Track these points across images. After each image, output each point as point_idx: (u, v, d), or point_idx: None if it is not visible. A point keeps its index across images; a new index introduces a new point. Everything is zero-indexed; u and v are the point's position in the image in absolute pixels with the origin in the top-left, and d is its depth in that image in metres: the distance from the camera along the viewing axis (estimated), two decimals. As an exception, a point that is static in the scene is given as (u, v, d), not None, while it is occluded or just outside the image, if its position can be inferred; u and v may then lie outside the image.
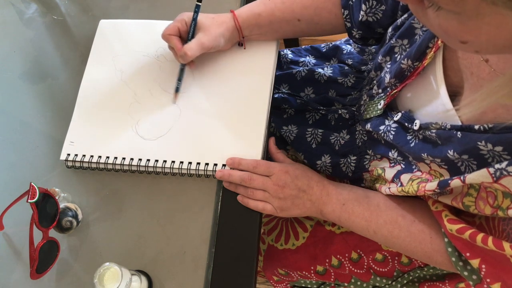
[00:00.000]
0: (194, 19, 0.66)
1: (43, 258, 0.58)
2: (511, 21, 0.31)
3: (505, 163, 0.42)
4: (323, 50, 0.90)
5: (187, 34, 0.67)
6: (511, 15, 0.31)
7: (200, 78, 0.71)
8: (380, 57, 0.65)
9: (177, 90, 0.70)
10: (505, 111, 0.46)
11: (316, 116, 0.80)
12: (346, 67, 0.84)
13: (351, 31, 0.70)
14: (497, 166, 0.43)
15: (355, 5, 0.67)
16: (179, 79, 0.70)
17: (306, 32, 0.72)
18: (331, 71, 0.83)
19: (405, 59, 0.57)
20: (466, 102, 0.41)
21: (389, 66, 0.62)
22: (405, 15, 0.60)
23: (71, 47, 0.79)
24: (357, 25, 0.68)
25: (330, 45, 0.90)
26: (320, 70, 0.83)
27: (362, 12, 0.66)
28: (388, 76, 0.61)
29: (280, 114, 0.82)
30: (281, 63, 0.89)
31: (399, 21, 0.61)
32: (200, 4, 0.66)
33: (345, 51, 0.87)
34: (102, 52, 0.75)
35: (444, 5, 0.33)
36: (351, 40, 0.89)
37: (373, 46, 0.85)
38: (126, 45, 0.75)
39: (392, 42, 0.61)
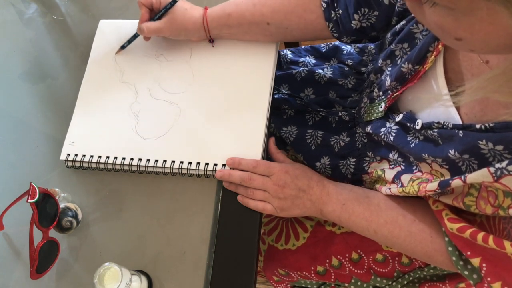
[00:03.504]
0: (166, 8, 0.68)
1: (43, 258, 0.58)
2: (504, 17, 0.31)
3: (505, 162, 0.42)
4: (323, 50, 0.90)
5: (157, 10, 0.70)
6: (504, 11, 0.31)
7: (200, 78, 0.71)
8: (380, 61, 0.65)
9: (122, 47, 0.74)
10: (506, 110, 0.46)
11: (316, 118, 0.80)
12: (346, 68, 0.84)
13: (340, 39, 0.70)
14: (497, 165, 0.43)
15: (343, 17, 0.65)
16: (129, 41, 0.74)
17: (275, 37, 0.72)
18: (331, 72, 0.83)
19: (406, 63, 0.57)
20: (460, 89, 0.42)
21: (389, 69, 0.62)
22: (403, 22, 0.60)
23: (71, 47, 0.79)
24: (349, 33, 0.67)
25: (330, 45, 0.90)
26: (320, 70, 0.83)
27: (354, 21, 0.65)
28: (388, 79, 0.61)
29: (280, 114, 0.82)
30: (281, 63, 0.89)
31: (397, 27, 0.61)
32: (177, 1, 0.68)
33: (344, 52, 0.87)
34: (102, 52, 0.75)
35: (439, 1, 0.34)
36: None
37: (373, 46, 0.85)
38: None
39: (392, 46, 0.61)
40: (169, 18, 0.69)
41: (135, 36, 0.73)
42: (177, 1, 0.68)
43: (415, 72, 0.57)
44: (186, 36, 0.71)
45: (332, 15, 0.66)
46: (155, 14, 0.70)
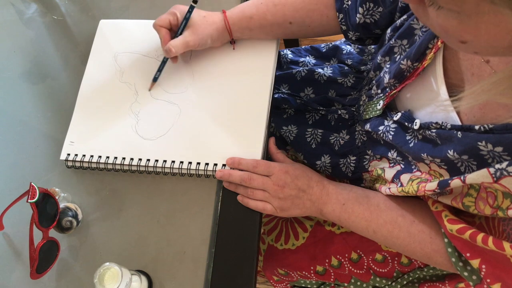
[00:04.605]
0: (186, 19, 0.67)
1: (43, 258, 0.58)
2: (509, 20, 0.31)
3: (505, 163, 0.42)
4: (323, 50, 0.90)
5: (177, 28, 0.68)
6: (510, 14, 0.31)
7: (200, 78, 0.71)
8: (379, 57, 0.65)
9: (154, 79, 0.71)
10: (506, 111, 0.46)
11: (316, 116, 0.80)
12: (346, 67, 0.84)
13: (347, 33, 0.70)
14: (497, 166, 0.43)
15: (350, 8, 0.66)
16: (159, 70, 0.71)
17: (297, 34, 0.72)
18: (330, 71, 0.83)
19: (405, 60, 0.57)
20: (463, 94, 0.42)
21: (388, 66, 0.62)
22: (404, 16, 0.60)
23: (71, 47, 0.79)
24: (354, 28, 0.68)
25: (330, 45, 0.90)
26: (320, 70, 0.83)
27: (359, 15, 0.66)
28: (387, 76, 0.61)
29: (280, 114, 0.82)
30: (281, 63, 0.89)
31: (398, 22, 0.61)
32: (194, 6, 0.66)
33: (344, 51, 0.87)
34: (102, 52, 0.75)
35: (444, 4, 0.34)
36: (351, 40, 0.89)
37: (373, 46, 0.85)
38: (126, 45, 0.75)
39: (391, 42, 0.61)
40: (191, 29, 0.67)
41: (164, 62, 0.71)
42: (194, 7, 0.66)
43: (414, 69, 0.57)
44: (212, 42, 0.70)
45: (344, 5, 0.67)
46: (174, 33, 0.68)
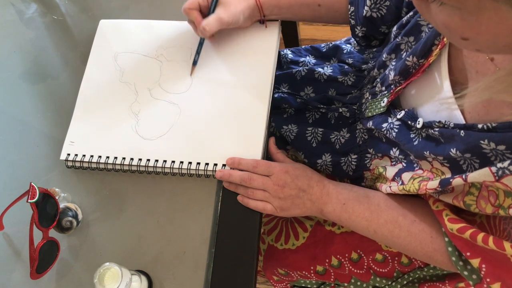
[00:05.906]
0: None
1: (43, 258, 0.58)
2: (511, 18, 0.31)
3: (507, 162, 0.42)
4: (323, 50, 0.90)
5: (207, 9, 0.67)
6: (511, 12, 0.31)
7: (200, 78, 0.71)
8: (385, 55, 0.65)
9: (194, 63, 0.71)
10: (510, 109, 0.45)
11: (316, 115, 0.80)
12: (346, 66, 0.84)
13: (354, 29, 0.70)
14: (499, 165, 0.43)
15: (360, 1, 0.67)
16: (198, 52, 0.70)
17: (325, 18, 0.72)
18: (331, 70, 0.83)
19: (410, 56, 0.57)
20: (466, 91, 0.42)
21: (394, 63, 0.63)
22: (411, 13, 0.61)
23: (71, 47, 0.79)
24: (361, 21, 0.68)
25: (330, 45, 0.90)
26: (320, 69, 0.83)
27: (366, 7, 0.66)
28: (392, 73, 0.61)
29: (280, 113, 0.82)
30: (281, 63, 0.89)
31: (404, 19, 0.62)
32: None
33: (345, 51, 0.87)
34: (102, 52, 0.75)
35: (446, 1, 0.34)
36: (351, 40, 0.89)
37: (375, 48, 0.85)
38: (126, 45, 0.75)
39: (398, 40, 0.61)
40: (223, 7, 0.67)
41: (201, 44, 0.70)
42: None
43: (419, 66, 0.57)
44: (244, 20, 0.69)
45: None
46: (205, 15, 0.68)
